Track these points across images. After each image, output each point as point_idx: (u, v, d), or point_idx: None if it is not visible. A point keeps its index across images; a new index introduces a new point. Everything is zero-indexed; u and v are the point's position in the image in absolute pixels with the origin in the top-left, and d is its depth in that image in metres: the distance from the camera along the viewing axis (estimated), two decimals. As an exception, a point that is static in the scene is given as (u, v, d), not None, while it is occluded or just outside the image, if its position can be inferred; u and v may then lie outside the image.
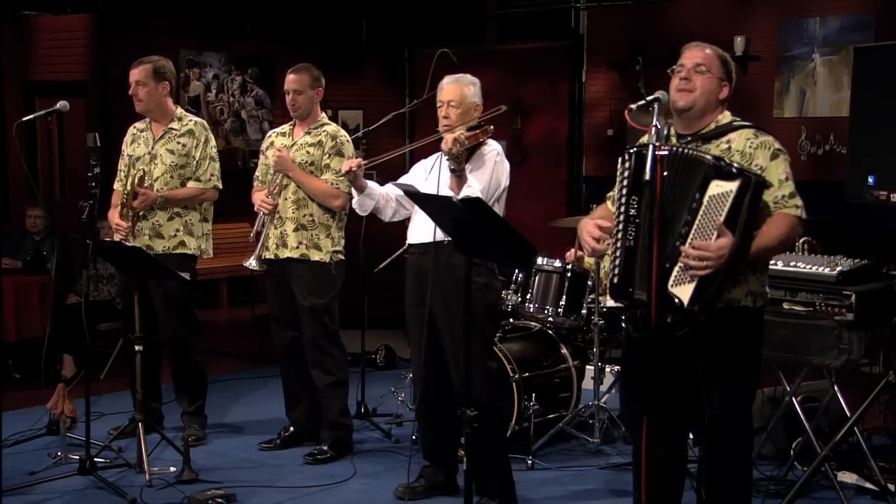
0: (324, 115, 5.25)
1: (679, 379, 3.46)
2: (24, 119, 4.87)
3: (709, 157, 3.30)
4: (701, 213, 3.25)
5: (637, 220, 3.31)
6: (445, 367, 4.39)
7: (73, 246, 6.63)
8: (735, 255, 3.20)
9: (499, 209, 4.35)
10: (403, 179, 4.61)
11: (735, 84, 3.55)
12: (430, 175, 4.44)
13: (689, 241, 3.26)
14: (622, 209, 3.37)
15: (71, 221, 5.82)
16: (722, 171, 3.25)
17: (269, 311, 5.32)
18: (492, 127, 4.42)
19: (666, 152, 3.29)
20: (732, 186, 3.21)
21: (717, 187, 3.23)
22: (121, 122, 5.96)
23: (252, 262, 5.11)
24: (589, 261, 5.44)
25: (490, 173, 4.33)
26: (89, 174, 4.78)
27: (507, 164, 4.42)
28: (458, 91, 4.43)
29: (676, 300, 3.24)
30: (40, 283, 6.74)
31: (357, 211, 4.67)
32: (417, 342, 4.49)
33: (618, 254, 3.37)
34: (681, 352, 3.41)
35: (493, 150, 4.40)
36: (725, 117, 3.52)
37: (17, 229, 7.41)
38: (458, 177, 4.20)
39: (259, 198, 5.14)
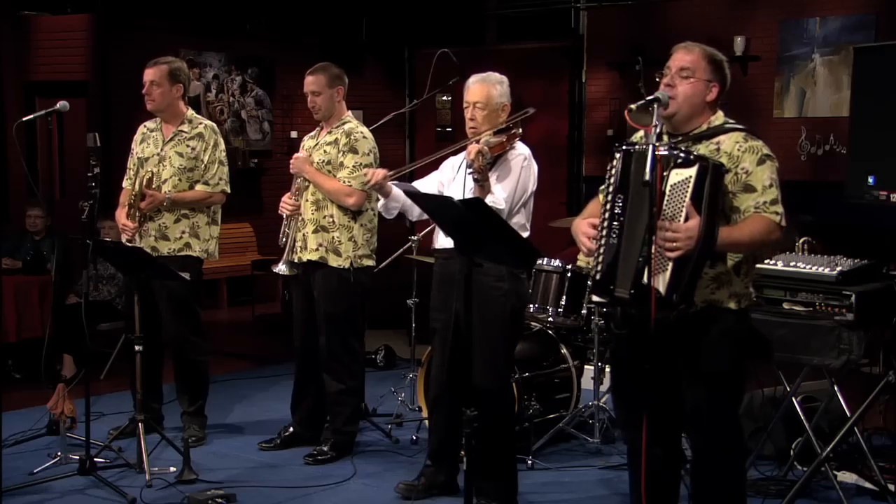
0: (349, 113, 5.15)
1: (671, 378, 3.46)
2: (24, 119, 4.86)
3: (664, 149, 3.27)
4: (665, 201, 3.24)
5: (621, 218, 3.31)
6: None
7: (73, 246, 6.63)
8: (704, 237, 3.19)
9: (525, 214, 4.32)
10: (433, 174, 4.57)
11: (729, 82, 3.49)
12: (457, 174, 4.36)
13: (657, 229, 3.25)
14: (608, 206, 3.37)
15: (71, 221, 5.82)
16: (679, 159, 3.25)
17: (294, 311, 5.30)
18: (520, 130, 4.29)
19: (624, 150, 3.32)
20: (692, 171, 3.22)
21: (677, 175, 3.24)
22: (121, 122, 5.96)
23: (282, 267, 5.08)
24: (584, 260, 5.43)
25: (516, 180, 4.23)
26: (89, 174, 4.77)
27: (534, 168, 4.32)
28: (484, 91, 4.30)
29: (655, 291, 3.22)
30: (40, 283, 6.73)
31: (383, 215, 4.61)
32: (441, 346, 4.47)
33: (602, 251, 3.36)
34: (668, 351, 3.40)
35: (519, 154, 4.29)
36: (718, 118, 3.50)
37: (17, 229, 7.41)
38: (482, 187, 4.11)
39: (283, 198, 5.12)
